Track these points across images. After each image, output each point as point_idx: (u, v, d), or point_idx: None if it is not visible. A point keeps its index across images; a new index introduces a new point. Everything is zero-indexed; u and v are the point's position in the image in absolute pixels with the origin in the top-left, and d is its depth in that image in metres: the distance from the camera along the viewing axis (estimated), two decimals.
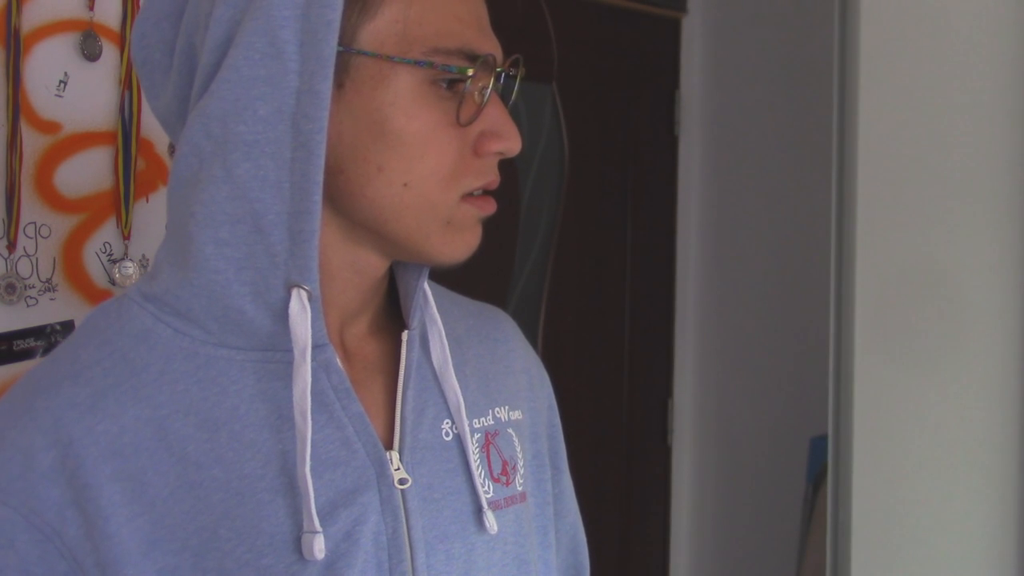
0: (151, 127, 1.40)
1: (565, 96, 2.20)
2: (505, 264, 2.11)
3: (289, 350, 0.68)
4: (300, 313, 0.67)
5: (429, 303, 0.77)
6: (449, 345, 0.78)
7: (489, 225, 0.74)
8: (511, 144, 0.71)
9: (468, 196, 0.71)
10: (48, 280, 1.32)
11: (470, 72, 0.68)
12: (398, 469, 0.71)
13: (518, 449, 0.81)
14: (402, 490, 0.71)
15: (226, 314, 0.68)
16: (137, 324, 0.70)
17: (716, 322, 2.49)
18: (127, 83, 1.37)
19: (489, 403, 0.80)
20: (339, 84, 0.67)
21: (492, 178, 0.72)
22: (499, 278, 2.09)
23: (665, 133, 2.52)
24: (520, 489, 0.79)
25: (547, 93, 2.17)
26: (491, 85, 0.70)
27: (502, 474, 0.78)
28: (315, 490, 0.67)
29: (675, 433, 2.51)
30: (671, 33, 2.51)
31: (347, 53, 0.66)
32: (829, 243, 1.45)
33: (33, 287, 1.31)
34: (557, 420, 0.90)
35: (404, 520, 0.70)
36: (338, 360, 0.71)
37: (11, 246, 1.29)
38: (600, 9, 2.33)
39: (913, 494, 1.40)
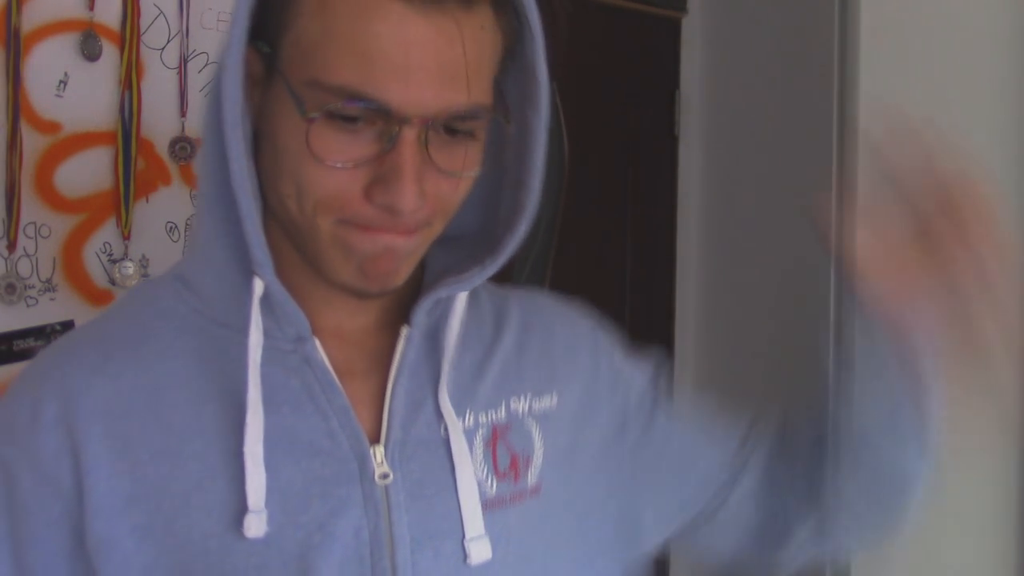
0: (151, 127, 1.40)
1: (565, 96, 2.19)
2: (504, 264, 2.08)
3: (279, 338, 0.71)
4: (250, 299, 0.69)
5: (453, 307, 0.75)
6: (475, 346, 0.77)
7: None
8: (393, 200, 0.64)
9: (354, 224, 0.67)
10: (48, 280, 1.33)
11: (312, 115, 0.63)
12: (381, 464, 0.70)
13: (536, 441, 0.77)
14: (384, 485, 0.70)
15: (232, 293, 0.71)
16: (163, 301, 0.74)
17: (716, 323, 2.47)
18: (127, 83, 1.37)
19: (503, 395, 0.77)
20: (265, 83, 0.67)
21: (379, 229, 0.66)
22: (497, 279, 2.05)
23: (665, 133, 2.51)
24: (532, 483, 0.76)
25: None
26: (394, 133, 0.63)
27: (511, 469, 0.75)
28: (289, 477, 0.68)
29: None
30: (671, 33, 2.50)
31: (263, 54, 0.67)
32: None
33: (33, 287, 1.31)
34: (620, 365, 0.86)
35: (386, 516, 0.69)
36: (321, 354, 0.71)
37: (11, 246, 1.29)
38: (599, 9, 2.32)
39: None
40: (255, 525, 0.66)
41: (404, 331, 0.74)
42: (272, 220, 0.72)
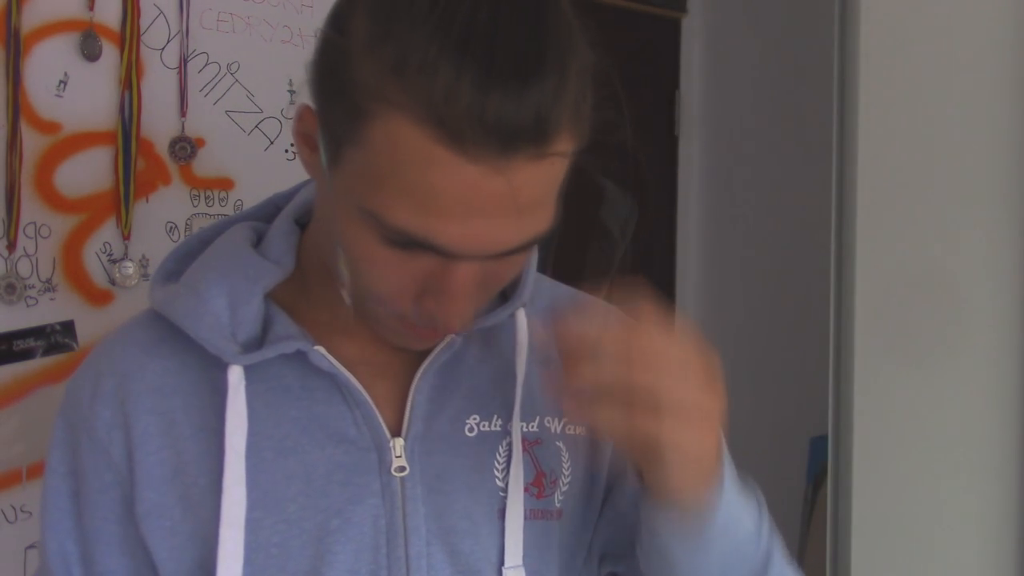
0: (151, 127, 1.41)
1: None
2: None
3: (280, 349, 0.72)
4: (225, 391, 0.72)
5: (517, 320, 0.78)
6: (507, 351, 0.78)
7: None
8: (443, 318, 0.65)
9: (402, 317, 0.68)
10: (48, 280, 1.33)
11: (367, 248, 0.64)
12: (399, 456, 0.72)
13: (565, 465, 0.77)
14: (401, 478, 0.71)
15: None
16: None
17: (716, 321, 2.48)
18: (127, 83, 1.37)
19: (538, 411, 0.77)
20: (322, 155, 0.67)
21: (424, 332, 0.69)
22: None
23: (665, 133, 2.52)
24: (557, 506, 0.76)
25: None
26: (449, 261, 0.63)
27: (534, 485, 0.75)
28: (314, 462, 0.70)
29: None
30: (671, 33, 2.52)
31: (322, 141, 0.66)
32: (829, 243, 1.45)
33: (33, 287, 1.32)
34: None
35: (401, 508, 0.71)
36: (329, 360, 0.72)
37: (11, 246, 1.30)
38: (600, 9, 2.33)
39: (913, 494, 1.40)
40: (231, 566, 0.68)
41: (449, 337, 0.74)
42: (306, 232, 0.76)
